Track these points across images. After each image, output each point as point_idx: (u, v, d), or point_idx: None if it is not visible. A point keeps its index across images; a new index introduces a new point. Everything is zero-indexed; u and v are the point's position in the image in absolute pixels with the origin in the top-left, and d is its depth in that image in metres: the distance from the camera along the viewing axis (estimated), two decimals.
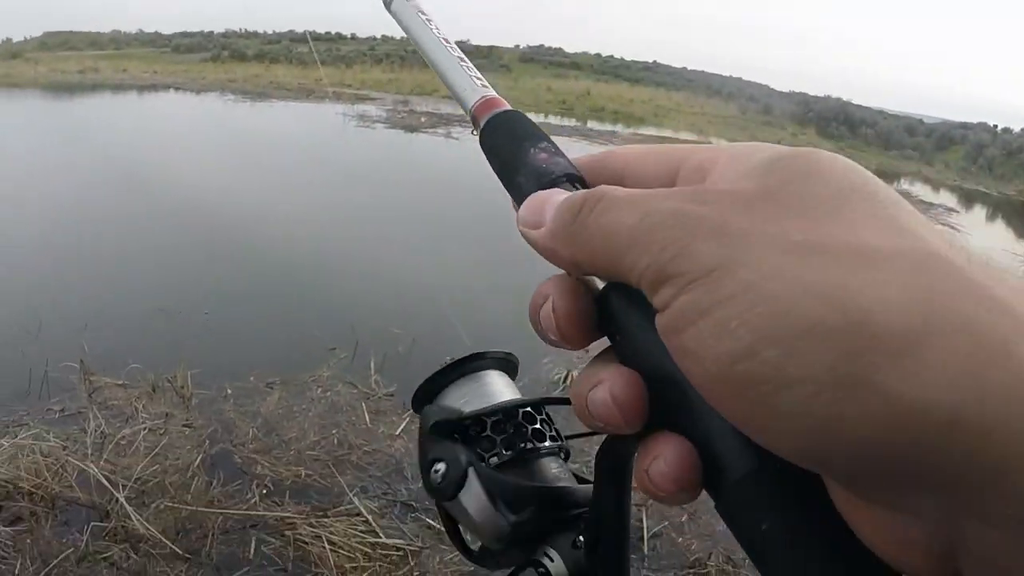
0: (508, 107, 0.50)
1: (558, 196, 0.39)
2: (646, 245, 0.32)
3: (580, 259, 0.36)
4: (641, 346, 0.36)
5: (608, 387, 0.35)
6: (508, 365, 0.51)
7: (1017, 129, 31.69)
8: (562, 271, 0.40)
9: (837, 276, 0.28)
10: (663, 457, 0.34)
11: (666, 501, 0.35)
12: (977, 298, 0.28)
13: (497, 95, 0.52)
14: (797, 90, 39.55)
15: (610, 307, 0.38)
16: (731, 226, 0.31)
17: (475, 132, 0.51)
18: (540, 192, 0.41)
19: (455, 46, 0.60)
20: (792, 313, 0.28)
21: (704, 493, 0.35)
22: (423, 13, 0.66)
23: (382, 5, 0.73)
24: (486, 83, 0.54)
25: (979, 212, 19.27)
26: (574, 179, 0.43)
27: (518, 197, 0.43)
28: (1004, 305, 0.28)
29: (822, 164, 0.33)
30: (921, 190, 20.30)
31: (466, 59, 0.58)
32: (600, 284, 0.38)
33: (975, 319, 0.27)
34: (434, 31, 0.62)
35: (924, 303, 0.27)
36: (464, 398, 0.51)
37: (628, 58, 43.78)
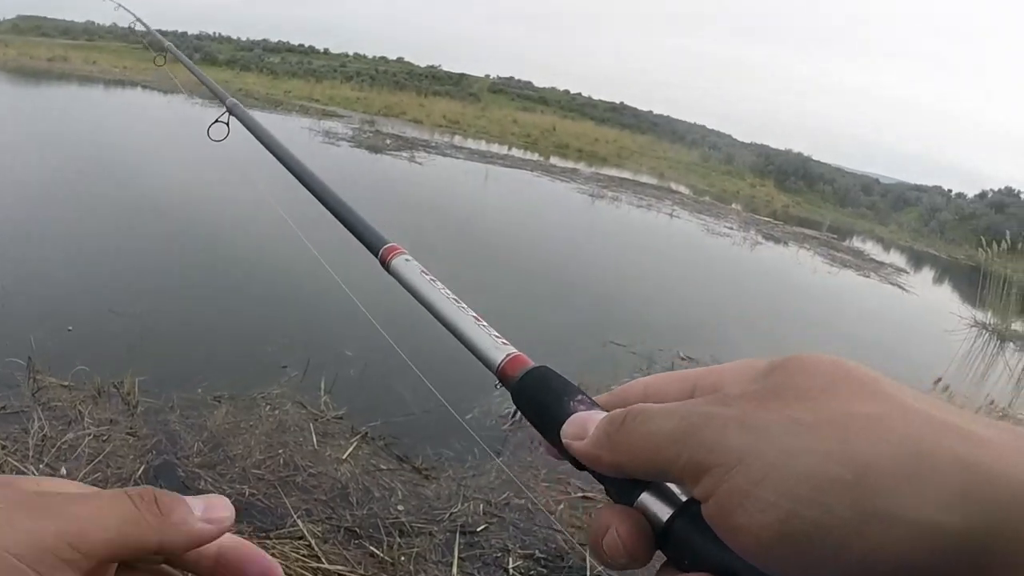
0: (533, 363, 0.55)
1: (598, 415, 0.46)
2: (684, 443, 0.39)
3: (622, 461, 0.43)
4: (698, 546, 0.41)
5: None
6: None
7: (971, 194, 32.67)
8: (606, 506, 0.46)
9: (842, 441, 0.35)
10: None
11: None
12: (959, 436, 0.34)
13: (519, 351, 0.56)
14: (759, 141, 40.19)
15: (675, 532, 0.42)
16: (751, 419, 0.38)
17: (499, 386, 0.56)
18: (581, 412, 0.48)
19: (465, 304, 0.63)
20: (814, 476, 0.35)
21: None
22: (426, 272, 0.70)
23: (378, 264, 0.78)
24: (504, 339, 0.58)
25: (927, 274, 19.63)
26: None
27: (560, 445, 0.48)
28: (983, 439, 0.34)
29: (812, 362, 0.40)
30: (873, 249, 20.64)
31: (480, 318, 0.61)
32: (650, 506, 0.43)
33: (961, 452, 0.34)
34: (442, 290, 0.66)
35: (915, 445, 0.34)
36: None
37: (596, 97, 44.21)
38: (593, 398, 0.50)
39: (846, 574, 0.34)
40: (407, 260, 0.74)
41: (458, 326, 0.61)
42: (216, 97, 1.76)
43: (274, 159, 1.23)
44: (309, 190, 1.07)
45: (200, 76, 2.02)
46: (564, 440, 0.47)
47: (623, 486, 0.45)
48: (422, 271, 0.70)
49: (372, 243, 0.83)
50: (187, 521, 0.44)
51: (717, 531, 0.38)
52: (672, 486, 0.43)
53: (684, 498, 0.43)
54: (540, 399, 0.51)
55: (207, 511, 0.45)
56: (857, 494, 0.34)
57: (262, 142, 1.33)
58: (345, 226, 0.94)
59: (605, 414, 0.46)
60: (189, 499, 0.45)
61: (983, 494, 0.32)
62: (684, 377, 0.49)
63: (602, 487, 0.47)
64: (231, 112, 1.61)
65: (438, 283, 0.67)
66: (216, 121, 1.68)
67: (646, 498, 0.43)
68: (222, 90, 1.78)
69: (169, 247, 6.96)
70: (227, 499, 0.46)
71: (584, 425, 0.46)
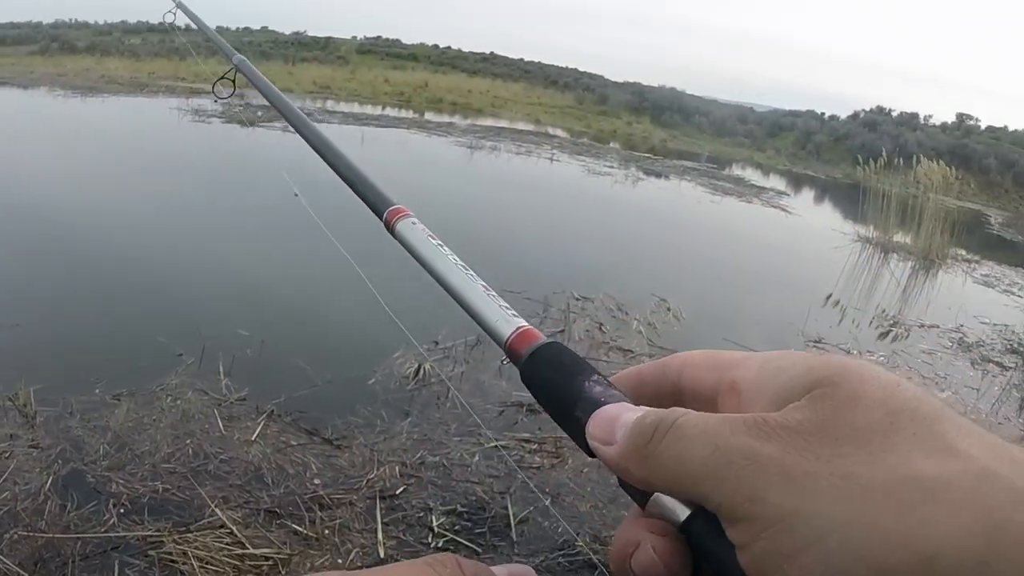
0: (545, 338, 0.51)
1: (627, 414, 0.41)
2: (718, 482, 0.35)
3: (653, 481, 0.39)
4: (719, 553, 0.37)
5: None
6: None
7: (843, 116, 33.92)
8: (633, 515, 0.42)
9: (902, 516, 0.31)
10: None
11: None
12: None
13: (530, 325, 0.52)
14: (632, 80, 40.47)
15: (695, 537, 0.39)
16: (796, 470, 0.34)
17: (506, 361, 0.52)
18: (609, 407, 0.43)
19: (473, 273, 0.60)
20: (869, 558, 0.31)
21: None
22: (434, 237, 0.66)
23: (383, 227, 0.73)
24: (514, 311, 0.54)
25: (808, 194, 20.34)
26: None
27: (574, 430, 0.44)
28: None
29: (864, 387, 0.35)
30: (753, 175, 21.20)
31: (488, 286, 0.58)
32: (677, 514, 0.39)
33: None
34: (450, 256, 0.62)
35: (985, 525, 0.30)
36: None
37: (466, 49, 43.93)
38: (620, 373, 0.48)
39: None
40: (413, 223, 0.70)
41: (466, 296, 0.58)
42: (223, 52, 1.75)
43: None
44: (314, 148, 1.01)
45: (210, 33, 1.99)
46: (591, 442, 0.43)
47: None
48: (429, 235, 0.66)
49: (376, 205, 0.78)
50: None
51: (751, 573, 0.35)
52: None
53: None
54: (551, 378, 0.48)
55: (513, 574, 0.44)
56: None
57: (268, 99, 1.29)
58: (348, 185, 0.88)
59: (630, 408, 0.42)
60: (494, 568, 0.43)
61: None
62: (716, 364, 0.45)
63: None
64: (238, 69, 1.59)
65: (446, 249, 0.64)
66: (223, 77, 1.68)
67: (660, 496, 0.40)
68: (229, 46, 1.76)
69: (39, 246, 6.65)
70: (531, 568, 0.45)
71: (611, 427, 0.42)
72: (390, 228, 0.72)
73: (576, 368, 0.47)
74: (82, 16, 42.36)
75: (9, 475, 3.25)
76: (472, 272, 0.60)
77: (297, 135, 1.06)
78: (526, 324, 0.52)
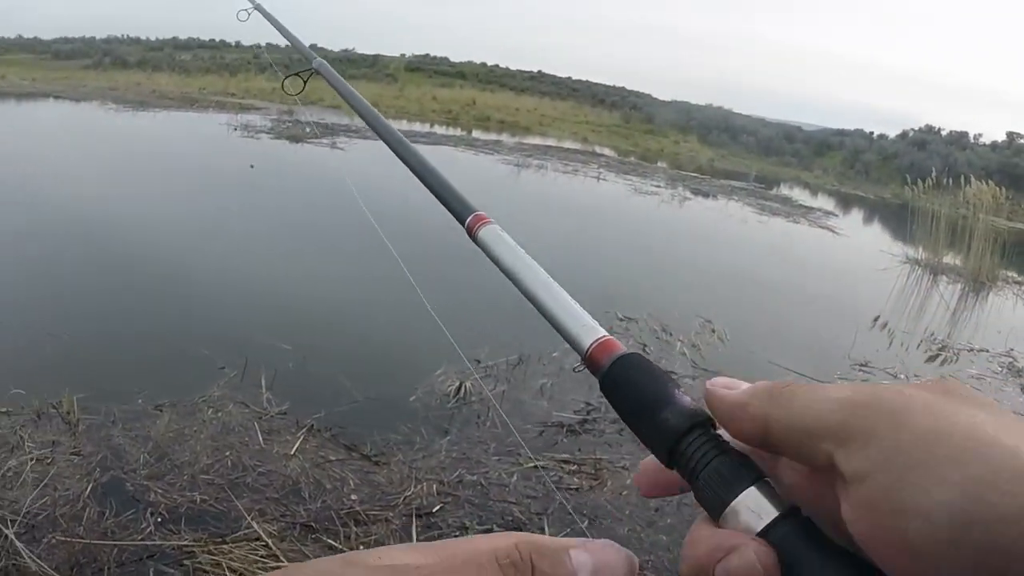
0: (625, 349, 0.51)
1: (744, 383, 0.45)
2: (860, 408, 0.38)
3: (777, 417, 0.41)
4: (807, 555, 0.38)
5: None
6: None
7: (892, 135, 33.61)
8: (704, 525, 0.42)
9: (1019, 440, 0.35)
10: None
11: None
12: None
13: (611, 336, 0.53)
14: (679, 99, 40.43)
15: (781, 541, 0.39)
16: (935, 404, 0.37)
17: (580, 368, 0.54)
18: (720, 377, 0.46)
19: (554, 282, 0.61)
20: (1004, 468, 0.33)
21: None
22: (517, 245, 0.68)
23: (465, 234, 0.75)
24: (596, 322, 0.55)
25: (856, 215, 20.11)
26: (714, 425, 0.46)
27: (657, 433, 0.45)
28: None
29: (953, 381, 0.40)
30: (800, 195, 21.03)
31: (568, 296, 0.59)
32: (756, 524, 0.39)
33: None
34: (534, 266, 0.63)
35: None
36: None
37: (513, 67, 44.12)
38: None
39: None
40: (499, 231, 0.71)
41: (548, 304, 0.59)
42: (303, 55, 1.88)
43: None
44: (396, 154, 1.04)
45: (289, 36, 2.11)
46: (712, 389, 0.45)
47: (727, 479, 0.41)
48: (512, 243, 0.68)
49: (459, 211, 0.80)
50: None
51: (874, 514, 0.36)
52: (773, 485, 0.41)
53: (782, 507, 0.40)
54: (640, 384, 0.48)
55: (598, 570, 0.37)
56: None
57: (349, 102, 1.34)
58: (431, 191, 0.89)
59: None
60: (573, 551, 0.37)
61: None
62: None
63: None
64: (318, 71, 1.68)
65: (529, 258, 0.65)
66: (295, 74, 1.81)
67: (738, 504, 0.40)
68: (308, 49, 1.93)
69: (89, 258, 6.77)
70: (613, 543, 0.39)
71: (734, 382, 0.45)
72: (472, 235, 0.74)
73: (665, 377, 0.48)
74: (134, 32, 43.08)
75: (50, 480, 3.28)
76: (555, 282, 0.61)
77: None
78: (607, 334, 0.53)
